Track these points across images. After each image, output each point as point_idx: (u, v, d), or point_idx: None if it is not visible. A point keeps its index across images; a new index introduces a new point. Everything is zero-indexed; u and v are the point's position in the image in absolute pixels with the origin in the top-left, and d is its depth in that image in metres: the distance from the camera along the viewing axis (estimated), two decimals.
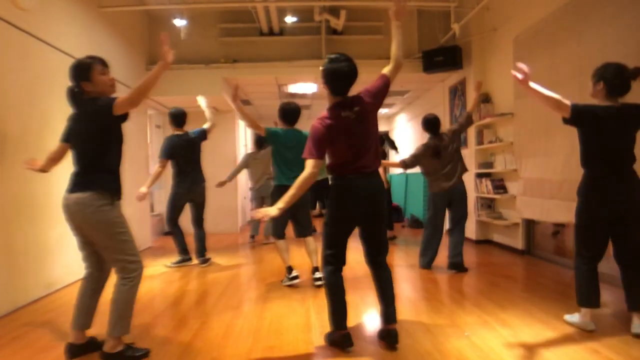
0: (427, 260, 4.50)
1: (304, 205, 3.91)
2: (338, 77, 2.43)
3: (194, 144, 4.85)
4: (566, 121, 2.63)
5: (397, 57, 2.54)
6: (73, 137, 2.41)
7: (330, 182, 2.59)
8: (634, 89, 2.60)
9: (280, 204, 2.30)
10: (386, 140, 6.75)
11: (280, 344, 2.59)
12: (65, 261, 4.00)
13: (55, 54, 4.06)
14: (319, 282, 3.78)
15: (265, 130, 3.80)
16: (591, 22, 3.79)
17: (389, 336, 2.50)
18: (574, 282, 2.78)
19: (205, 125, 4.92)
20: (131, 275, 2.33)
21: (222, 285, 4.09)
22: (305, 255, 4.03)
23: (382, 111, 10.58)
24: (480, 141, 5.95)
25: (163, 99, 6.94)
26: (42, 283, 3.75)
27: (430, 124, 4.43)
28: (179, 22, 6.46)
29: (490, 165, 5.80)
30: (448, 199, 4.38)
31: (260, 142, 6.53)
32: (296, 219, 3.92)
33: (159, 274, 4.62)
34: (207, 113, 4.96)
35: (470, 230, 5.76)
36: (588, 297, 2.70)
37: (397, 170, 10.38)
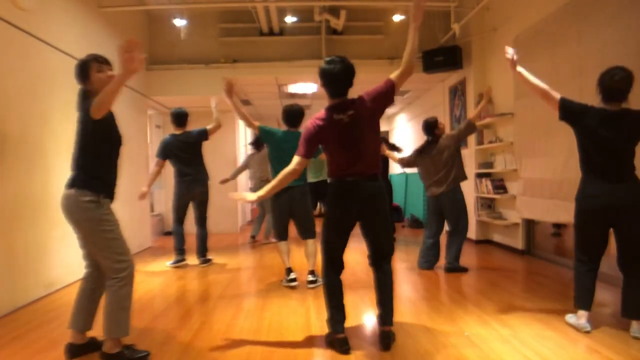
0: (424, 262, 4.52)
1: (305, 208, 3.87)
2: (331, 79, 2.43)
3: (191, 144, 4.83)
4: (560, 117, 2.70)
5: (407, 62, 2.42)
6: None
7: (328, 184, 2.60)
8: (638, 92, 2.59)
9: (260, 192, 2.46)
10: (385, 144, 6.74)
11: (280, 344, 2.59)
12: (65, 261, 4.00)
13: (55, 54, 4.06)
14: (312, 285, 3.81)
15: (259, 129, 3.82)
16: (591, 22, 3.79)
17: (382, 338, 2.50)
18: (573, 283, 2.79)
19: (209, 126, 4.91)
20: (119, 276, 2.29)
21: (222, 285, 4.09)
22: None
23: None
24: (480, 141, 5.95)
25: (163, 99, 6.94)
26: (42, 283, 3.75)
27: (425, 125, 4.48)
28: (179, 22, 6.46)
29: (490, 165, 5.80)
30: (439, 204, 4.40)
31: (257, 143, 6.53)
32: (297, 221, 3.92)
33: (159, 274, 4.62)
34: (215, 113, 4.91)
35: (471, 230, 5.75)
36: (579, 299, 2.72)
37: (397, 170, 10.40)
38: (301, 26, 6.87)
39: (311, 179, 6.19)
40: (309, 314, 3.13)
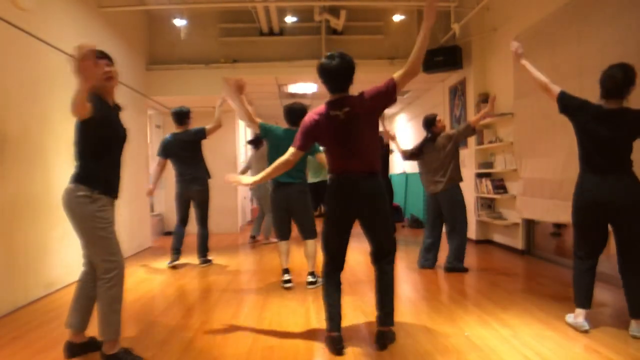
0: (424, 261, 4.52)
1: (303, 207, 3.85)
2: (328, 75, 2.44)
3: (189, 142, 4.82)
4: (559, 110, 2.78)
5: (411, 63, 2.32)
6: None
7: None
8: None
9: (255, 177, 2.60)
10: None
11: (280, 344, 2.59)
12: (65, 261, 4.00)
13: (55, 54, 4.06)
14: (312, 286, 3.81)
15: (260, 126, 3.85)
16: (591, 22, 3.79)
17: (378, 338, 2.51)
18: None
19: (208, 125, 4.88)
20: (107, 276, 2.27)
21: (222, 285, 4.09)
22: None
23: None
24: (480, 141, 5.95)
25: (163, 98, 6.94)
26: (42, 283, 3.74)
27: (423, 121, 4.52)
28: (179, 22, 6.47)
29: (490, 165, 5.80)
30: (436, 202, 4.42)
31: (256, 141, 6.52)
32: (297, 221, 3.91)
33: (159, 274, 4.62)
34: (217, 113, 4.84)
35: (471, 230, 5.76)
36: (577, 297, 2.73)
37: (397, 170, 10.40)
38: (301, 26, 6.88)
39: (311, 179, 6.18)
40: (309, 314, 3.13)
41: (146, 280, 4.30)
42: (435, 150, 4.35)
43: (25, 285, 3.53)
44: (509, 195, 5.35)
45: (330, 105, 2.46)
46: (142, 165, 6.33)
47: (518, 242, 5.27)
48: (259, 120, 3.91)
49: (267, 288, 3.92)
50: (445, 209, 4.36)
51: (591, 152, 2.64)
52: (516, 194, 5.04)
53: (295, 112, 3.88)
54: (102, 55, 2.31)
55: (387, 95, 2.40)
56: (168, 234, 7.52)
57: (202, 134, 4.83)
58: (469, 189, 5.97)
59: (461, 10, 5.73)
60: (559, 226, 5.39)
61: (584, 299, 2.69)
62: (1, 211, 3.30)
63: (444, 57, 6.14)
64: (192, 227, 5.00)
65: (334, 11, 6.42)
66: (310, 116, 2.51)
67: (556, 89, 2.79)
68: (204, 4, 6.42)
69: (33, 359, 2.45)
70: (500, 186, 5.55)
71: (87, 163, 2.30)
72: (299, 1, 6.43)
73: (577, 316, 2.69)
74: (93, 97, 2.21)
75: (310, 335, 2.73)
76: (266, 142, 4.00)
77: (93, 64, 1.98)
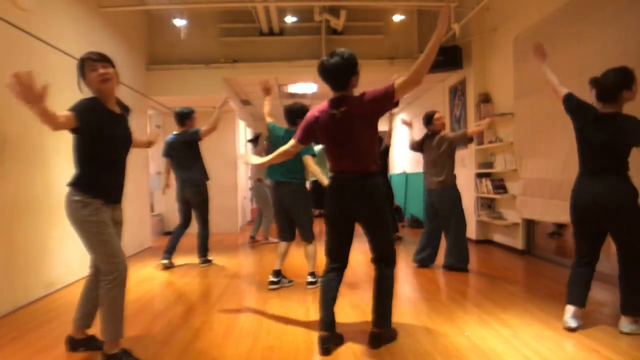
0: (419, 259, 4.54)
1: (297, 207, 3.83)
2: (326, 74, 2.46)
3: (186, 143, 4.81)
4: (565, 111, 2.82)
5: (414, 71, 2.24)
6: None
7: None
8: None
9: (262, 159, 2.76)
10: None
11: (280, 344, 2.59)
12: (65, 261, 4.00)
13: (55, 54, 4.06)
14: (312, 286, 3.81)
15: (268, 125, 4.02)
16: (591, 22, 3.79)
17: (370, 339, 2.51)
18: None
19: (204, 127, 4.85)
20: (108, 278, 2.27)
21: (222, 285, 4.09)
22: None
23: None
24: (480, 141, 5.95)
25: (163, 99, 6.94)
26: (42, 283, 3.74)
27: (423, 118, 4.57)
28: (179, 22, 6.47)
29: (490, 165, 5.80)
30: (432, 199, 4.47)
31: (255, 141, 6.51)
32: (295, 223, 3.91)
33: (159, 274, 4.62)
34: (216, 114, 4.77)
35: (471, 230, 5.76)
36: (569, 293, 2.76)
37: (397, 170, 10.40)
38: (301, 26, 6.87)
39: (312, 178, 6.18)
40: (308, 314, 3.13)
41: (146, 280, 4.30)
42: (433, 148, 4.40)
43: (25, 285, 3.53)
44: (509, 195, 5.35)
45: (330, 103, 2.48)
46: (142, 166, 6.33)
47: (518, 242, 5.27)
48: (269, 119, 4.03)
49: (267, 288, 3.91)
50: (439, 207, 4.39)
51: (585, 154, 2.70)
52: (516, 194, 5.05)
53: (295, 112, 3.89)
54: (100, 58, 2.26)
55: (385, 101, 2.36)
56: (168, 233, 7.51)
57: (196, 135, 4.79)
58: (469, 189, 5.97)
59: (461, 10, 5.73)
60: (559, 226, 5.39)
61: (574, 297, 2.72)
62: (1, 211, 3.30)
63: (444, 57, 6.13)
64: (193, 227, 5.00)
65: (334, 11, 6.42)
66: (311, 112, 2.56)
67: (563, 91, 2.84)
68: (204, 4, 6.42)
69: (33, 359, 2.45)
70: (500, 186, 5.55)
71: (82, 168, 2.30)
72: (299, 1, 6.43)
73: (566, 312, 2.72)
74: (81, 105, 2.17)
75: (310, 335, 2.72)
76: (271, 141, 4.07)
77: (28, 87, 1.97)
